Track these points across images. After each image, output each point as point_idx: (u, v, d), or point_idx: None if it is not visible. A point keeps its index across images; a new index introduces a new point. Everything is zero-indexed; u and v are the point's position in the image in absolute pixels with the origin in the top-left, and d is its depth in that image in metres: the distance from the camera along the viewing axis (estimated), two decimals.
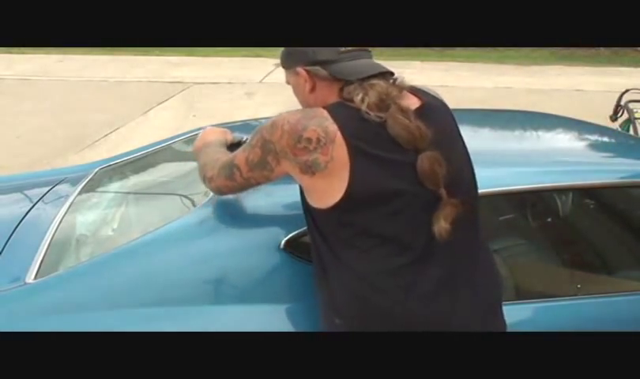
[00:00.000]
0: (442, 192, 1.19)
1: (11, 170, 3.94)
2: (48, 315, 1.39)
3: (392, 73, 1.29)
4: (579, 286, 1.78)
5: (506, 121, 2.51)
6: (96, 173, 2.27)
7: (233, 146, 1.55)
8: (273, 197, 1.50)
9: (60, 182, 2.21)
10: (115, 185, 2.19)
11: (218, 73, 8.78)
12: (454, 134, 1.33)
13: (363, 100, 1.20)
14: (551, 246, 2.08)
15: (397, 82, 1.27)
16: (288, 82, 1.37)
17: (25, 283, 1.48)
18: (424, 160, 1.18)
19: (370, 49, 1.32)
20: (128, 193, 2.11)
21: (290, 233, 1.46)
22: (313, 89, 1.29)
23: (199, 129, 2.24)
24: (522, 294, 1.79)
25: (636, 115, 4.42)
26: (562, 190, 1.94)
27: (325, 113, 1.21)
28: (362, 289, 1.21)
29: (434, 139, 1.20)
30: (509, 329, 1.36)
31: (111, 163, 2.37)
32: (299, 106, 1.34)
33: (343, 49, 1.26)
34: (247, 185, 1.34)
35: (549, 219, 2.11)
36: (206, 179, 1.42)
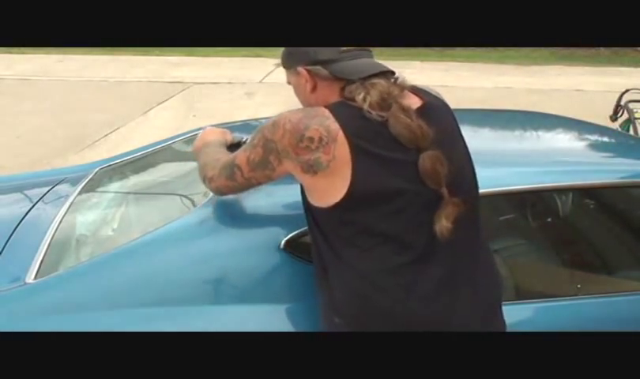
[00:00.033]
0: (444, 191, 1.20)
1: (11, 170, 3.95)
2: (48, 315, 1.39)
3: (393, 73, 1.29)
4: (579, 286, 1.78)
5: (506, 121, 2.51)
6: (96, 173, 2.27)
7: (233, 146, 1.55)
8: (273, 197, 1.50)
9: (60, 182, 2.21)
10: (115, 185, 2.19)
11: (218, 73, 8.78)
12: (455, 134, 1.33)
13: (364, 99, 1.20)
14: (551, 246, 2.08)
15: (398, 81, 1.27)
16: (288, 82, 1.37)
17: (25, 283, 1.48)
18: (426, 159, 1.18)
19: (370, 49, 1.32)
20: (128, 193, 2.11)
21: (290, 233, 1.46)
22: (314, 89, 1.29)
23: (199, 129, 2.24)
24: (522, 294, 1.79)
25: (636, 115, 4.42)
26: (562, 190, 1.94)
27: (326, 112, 1.21)
28: (362, 288, 1.21)
29: (436, 138, 1.20)
30: (509, 329, 1.36)
31: (111, 163, 2.37)
32: (300, 106, 1.33)
33: (344, 48, 1.26)
34: (248, 185, 1.34)
35: (549, 219, 2.11)
36: (206, 179, 1.42)
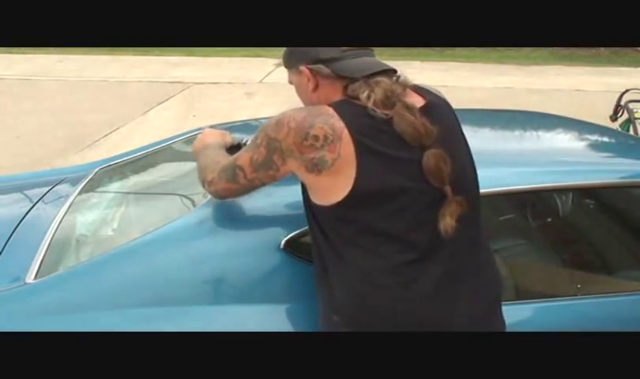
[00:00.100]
0: (447, 189, 1.20)
1: (11, 170, 3.94)
2: (48, 315, 1.39)
3: (395, 71, 1.29)
4: (579, 286, 1.78)
5: (506, 121, 2.51)
6: (96, 173, 2.27)
7: (233, 148, 1.54)
8: (273, 198, 1.50)
9: (60, 182, 2.21)
10: (115, 185, 2.19)
11: (218, 73, 8.78)
12: (457, 132, 1.33)
13: (369, 97, 1.20)
14: (551, 246, 2.08)
15: (400, 80, 1.27)
16: (290, 82, 1.37)
17: (25, 283, 1.48)
18: (430, 157, 1.18)
19: (372, 48, 1.32)
20: (128, 193, 2.11)
21: (290, 233, 1.46)
22: (316, 88, 1.29)
23: (199, 129, 2.25)
24: (522, 294, 1.79)
25: (636, 115, 4.42)
26: (562, 190, 1.94)
27: (330, 110, 1.20)
28: (362, 287, 1.21)
29: (439, 136, 1.20)
30: (509, 329, 1.36)
31: (111, 163, 2.37)
32: (301, 106, 1.33)
33: (346, 48, 1.26)
34: (251, 187, 1.32)
35: (549, 219, 2.11)
36: (205, 183, 1.40)
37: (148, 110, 6.71)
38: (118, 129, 5.95)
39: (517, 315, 1.53)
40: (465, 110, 2.27)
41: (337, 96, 1.25)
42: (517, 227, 2.09)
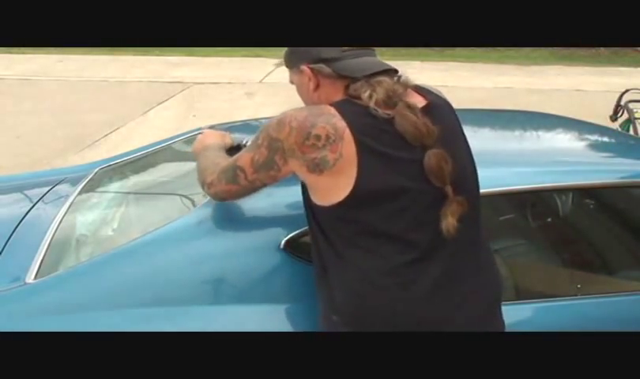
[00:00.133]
0: (448, 189, 1.20)
1: (11, 170, 3.94)
2: (48, 315, 1.39)
3: (396, 71, 1.29)
4: (579, 286, 1.78)
5: (506, 121, 2.51)
6: (96, 173, 2.27)
7: (233, 149, 1.53)
8: (273, 198, 1.50)
9: (60, 182, 2.21)
10: (115, 185, 2.19)
11: (218, 73, 8.78)
12: (458, 132, 1.33)
13: (370, 97, 1.20)
14: (551, 246, 2.08)
15: (401, 80, 1.27)
16: (291, 81, 1.37)
17: (25, 283, 1.48)
18: (431, 157, 1.18)
19: (373, 48, 1.32)
20: (128, 193, 2.11)
21: (290, 233, 1.46)
22: (317, 87, 1.28)
23: (199, 129, 2.25)
24: (522, 294, 1.79)
25: (636, 115, 4.43)
26: (562, 190, 1.94)
27: (332, 110, 1.20)
28: (362, 287, 1.21)
29: (440, 137, 1.20)
30: (509, 329, 1.36)
31: (111, 163, 2.37)
32: (302, 105, 1.33)
33: (347, 47, 1.26)
34: (251, 188, 1.31)
35: (549, 219, 2.11)
36: (205, 185, 1.39)
37: (148, 110, 6.71)
38: (118, 129, 5.95)
39: (517, 315, 1.53)
40: (465, 110, 2.27)
41: (338, 96, 1.25)
42: (517, 227, 2.09)
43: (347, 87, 1.24)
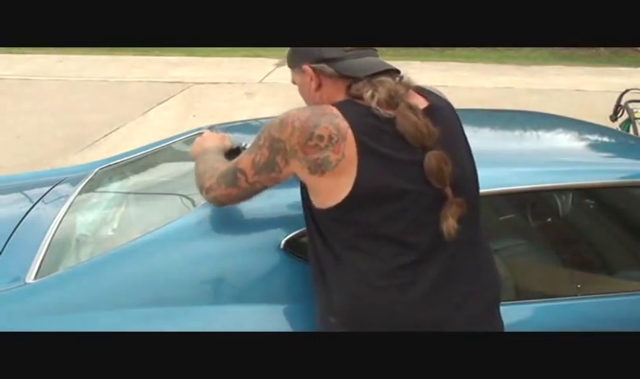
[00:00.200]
0: (448, 191, 1.19)
1: (11, 170, 3.94)
2: (48, 315, 1.39)
3: (398, 71, 1.28)
4: (579, 286, 1.78)
5: (506, 121, 2.51)
6: (96, 173, 2.27)
7: (232, 152, 1.52)
8: (274, 198, 1.50)
9: (60, 182, 2.21)
10: (115, 185, 2.19)
11: (218, 73, 8.78)
12: (459, 134, 1.33)
13: (372, 97, 1.19)
14: (551, 246, 2.08)
15: (403, 81, 1.27)
16: (293, 81, 1.36)
17: (25, 283, 1.48)
18: (432, 158, 1.18)
19: (375, 48, 1.31)
20: (128, 193, 2.11)
21: (290, 233, 1.45)
22: (319, 87, 1.28)
23: (199, 129, 2.25)
24: (522, 294, 1.79)
25: (636, 115, 4.43)
26: (562, 190, 1.94)
27: (334, 110, 1.20)
28: (360, 289, 1.20)
29: (440, 138, 1.20)
30: (509, 329, 1.36)
31: (111, 163, 2.37)
32: (303, 106, 1.32)
33: (349, 47, 1.26)
34: (252, 190, 1.30)
35: (549, 219, 2.11)
36: (204, 190, 1.38)
37: (148, 110, 6.71)
38: (118, 129, 5.95)
39: (517, 315, 1.53)
40: (465, 110, 2.27)
41: (340, 96, 1.25)
42: (517, 227, 2.09)
43: (349, 87, 1.24)
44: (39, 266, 1.54)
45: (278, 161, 1.22)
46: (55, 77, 8.33)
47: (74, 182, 2.17)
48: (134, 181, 2.24)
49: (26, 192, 2.20)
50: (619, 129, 4.33)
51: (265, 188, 1.30)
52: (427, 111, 1.23)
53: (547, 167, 1.75)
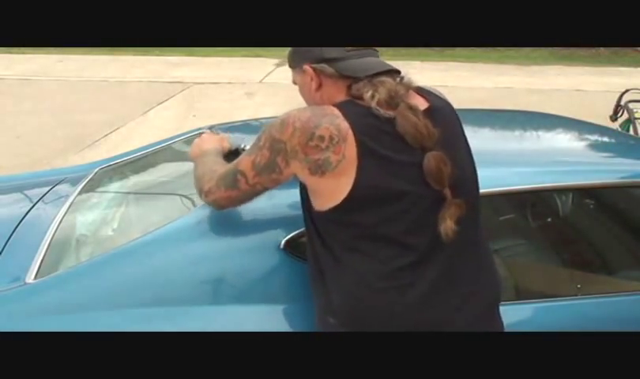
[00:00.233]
0: (447, 192, 1.19)
1: (11, 170, 3.94)
2: (48, 315, 1.39)
3: (398, 72, 1.28)
4: (579, 286, 1.78)
5: (506, 121, 2.51)
6: (96, 173, 2.27)
7: (231, 154, 1.52)
8: (274, 198, 1.50)
9: (60, 182, 2.21)
10: (115, 185, 2.19)
11: (218, 73, 8.78)
12: (459, 135, 1.33)
13: (373, 97, 1.19)
14: (551, 246, 2.08)
15: (403, 81, 1.27)
16: (294, 82, 1.36)
17: (25, 283, 1.48)
18: (431, 159, 1.18)
19: (376, 48, 1.31)
20: (128, 193, 2.11)
21: (290, 233, 1.45)
22: (319, 87, 1.28)
23: (199, 129, 2.25)
24: (522, 294, 1.79)
25: (636, 115, 4.43)
26: (562, 190, 1.94)
27: (335, 110, 1.20)
28: (359, 290, 1.20)
29: (440, 139, 1.20)
30: (509, 329, 1.36)
31: (111, 163, 2.37)
32: (303, 106, 1.32)
33: (350, 47, 1.26)
34: (252, 192, 1.29)
35: (549, 219, 2.11)
36: (203, 193, 1.37)
37: (148, 110, 6.71)
38: (118, 129, 5.96)
39: (517, 315, 1.53)
40: (465, 110, 2.27)
41: (341, 96, 1.25)
42: (517, 227, 2.09)
43: (349, 87, 1.24)
44: (39, 266, 1.54)
45: (279, 162, 1.22)
46: (55, 77, 8.33)
47: (74, 182, 2.17)
48: (134, 181, 2.24)
49: (26, 192, 2.20)
50: (619, 129, 4.33)
51: (265, 189, 1.29)
52: (427, 112, 1.23)
53: (547, 167, 1.75)
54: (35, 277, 1.50)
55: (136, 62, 9.28)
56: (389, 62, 1.28)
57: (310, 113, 1.20)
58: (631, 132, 4.35)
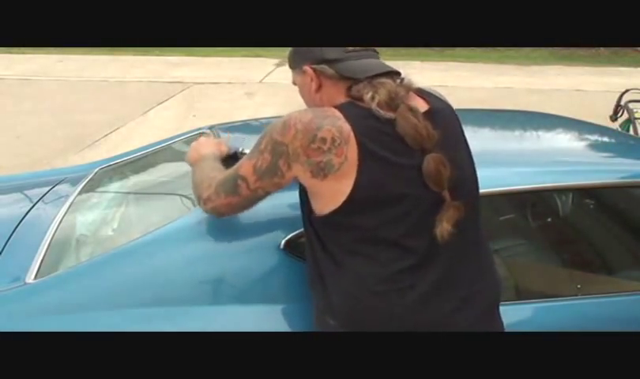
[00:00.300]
0: (446, 194, 1.19)
1: (11, 170, 3.94)
2: (48, 315, 1.39)
3: (398, 73, 1.28)
4: (579, 286, 1.78)
5: (506, 121, 2.51)
6: (96, 173, 2.27)
7: (229, 159, 1.50)
8: (273, 198, 1.50)
9: (60, 182, 2.21)
10: (115, 185, 2.19)
11: (218, 73, 8.78)
12: (459, 136, 1.32)
13: (373, 98, 1.19)
14: (551, 246, 2.08)
15: (403, 82, 1.26)
16: (294, 82, 1.36)
17: (25, 283, 1.48)
18: (430, 161, 1.18)
19: (376, 49, 1.31)
20: (128, 193, 2.11)
21: (290, 233, 1.45)
22: (319, 88, 1.28)
23: (199, 129, 2.25)
24: (522, 294, 1.79)
25: (636, 115, 4.43)
26: (562, 190, 1.94)
27: (337, 112, 1.19)
28: (359, 292, 1.20)
29: (440, 141, 1.19)
30: (509, 329, 1.36)
31: (111, 163, 2.37)
32: (303, 106, 1.32)
33: (350, 48, 1.25)
34: (254, 198, 1.28)
35: (549, 219, 2.11)
36: (201, 200, 1.35)
37: (148, 110, 6.71)
38: (118, 129, 5.96)
39: (517, 315, 1.53)
40: (465, 110, 2.27)
41: (340, 97, 1.24)
42: (517, 227, 2.09)
43: (349, 88, 1.24)
44: (39, 266, 1.54)
45: (280, 165, 1.21)
46: (55, 77, 8.33)
47: (74, 182, 2.17)
48: (134, 181, 2.24)
49: (26, 192, 2.20)
50: (619, 129, 4.33)
51: (267, 194, 1.28)
52: (428, 114, 1.23)
53: (547, 167, 1.75)
54: (35, 277, 1.50)
55: (136, 62, 9.28)
56: (388, 62, 1.28)
57: (312, 115, 1.20)
58: (631, 132, 4.35)
